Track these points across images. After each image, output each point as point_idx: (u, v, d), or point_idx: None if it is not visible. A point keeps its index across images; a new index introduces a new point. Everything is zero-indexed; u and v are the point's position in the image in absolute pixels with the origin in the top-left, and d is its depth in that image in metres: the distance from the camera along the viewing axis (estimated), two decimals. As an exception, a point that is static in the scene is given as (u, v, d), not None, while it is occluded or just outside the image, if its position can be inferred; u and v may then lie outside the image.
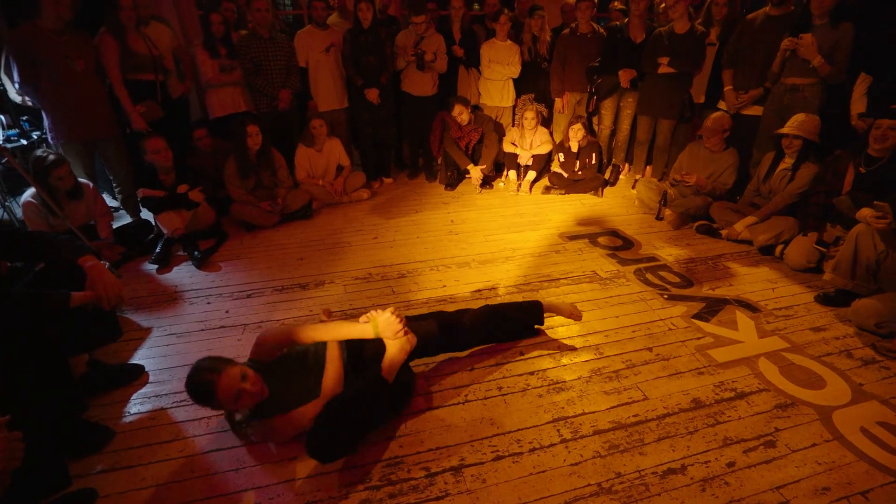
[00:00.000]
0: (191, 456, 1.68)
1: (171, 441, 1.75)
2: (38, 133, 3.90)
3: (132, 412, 1.89)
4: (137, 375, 2.08)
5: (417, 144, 4.81)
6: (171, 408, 1.90)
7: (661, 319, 2.44)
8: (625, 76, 4.05)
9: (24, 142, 3.77)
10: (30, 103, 3.90)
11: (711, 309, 2.53)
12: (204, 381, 1.54)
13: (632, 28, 4.02)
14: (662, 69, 3.86)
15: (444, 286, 2.75)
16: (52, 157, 2.82)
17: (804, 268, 2.86)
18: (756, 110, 3.61)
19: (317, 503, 1.50)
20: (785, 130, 3.04)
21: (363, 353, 1.80)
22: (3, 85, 3.64)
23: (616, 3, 4.76)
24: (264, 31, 3.85)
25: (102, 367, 2.07)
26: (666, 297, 2.65)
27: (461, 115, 4.19)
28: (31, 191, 2.85)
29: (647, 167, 4.58)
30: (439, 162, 4.70)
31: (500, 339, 2.24)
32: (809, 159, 3.02)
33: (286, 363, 1.75)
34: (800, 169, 3.04)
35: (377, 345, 1.75)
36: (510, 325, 2.21)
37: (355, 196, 4.19)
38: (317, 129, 3.95)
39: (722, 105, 3.79)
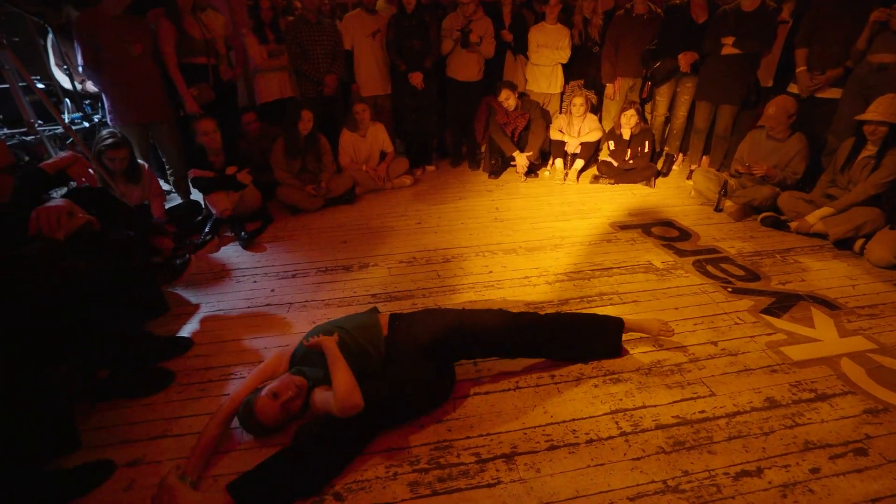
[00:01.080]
0: (237, 427, 1.67)
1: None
2: (98, 116, 4.06)
3: (181, 382, 1.90)
4: (187, 348, 2.10)
5: (461, 132, 4.72)
6: (219, 380, 1.91)
7: (726, 313, 2.26)
8: (685, 60, 3.82)
9: (86, 125, 3.93)
10: (89, 89, 4.09)
11: (782, 304, 2.32)
12: (248, 419, 1.56)
13: (693, 7, 3.77)
14: (727, 50, 3.61)
15: (491, 272, 2.66)
16: (109, 140, 2.88)
17: (890, 264, 2.59)
18: (833, 93, 3.31)
19: (364, 482, 1.45)
20: (868, 116, 2.76)
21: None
22: (55, 78, 3.83)
23: None
24: (311, 16, 3.85)
25: (153, 339, 2.10)
26: (730, 290, 2.46)
27: (508, 100, 4.07)
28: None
29: (704, 157, 4.32)
30: (483, 149, 4.60)
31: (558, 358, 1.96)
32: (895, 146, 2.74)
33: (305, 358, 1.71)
34: (886, 156, 2.75)
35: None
36: (574, 350, 1.94)
37: (398, 182, 4.15)
38: (360, 114, 3.93)
39: (793, 88, 3.51)
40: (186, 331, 2.25)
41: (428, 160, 4.64)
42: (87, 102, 4.12)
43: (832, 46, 3.21)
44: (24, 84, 3.02)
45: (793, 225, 3.07)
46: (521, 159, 4.21)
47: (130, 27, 3.20)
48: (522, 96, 4.42)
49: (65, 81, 3.95)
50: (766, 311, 2.28)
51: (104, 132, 2.97)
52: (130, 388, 1.80)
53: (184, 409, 1.75)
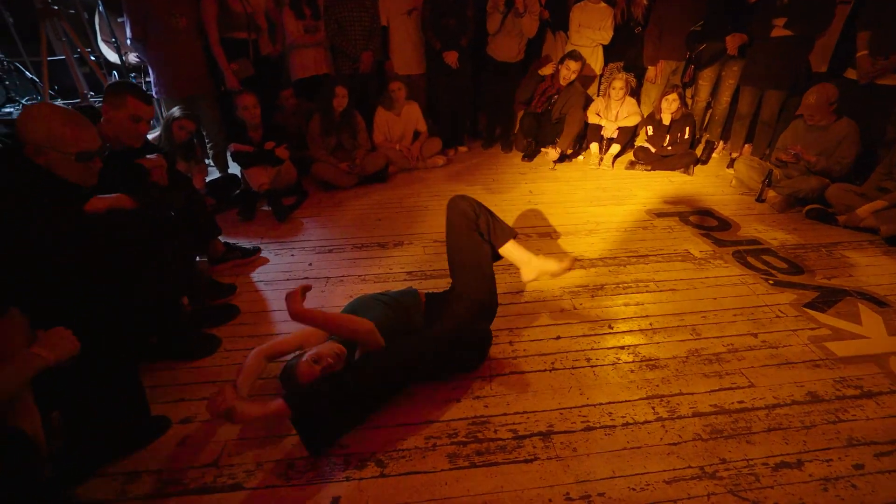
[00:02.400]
0: (280, 394, 1.74)
1: (264, 378, 1.81)
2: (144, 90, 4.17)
3: (227, 349, 1.98)
4: (234, 315, 2.18)
5: (495, 113, 4.66)
6: (263, 348, 1.98)
7: (767, 305, 2.21)
8: (733, 42, 3.67)
9: (131, 97, 4.04)
10: (131, 60, 4.18)
11: (827, 299, 2.26)
12: (288, 379, 1.60)
13: (747, -15, 3.60)
14: (777, 32, 3.45)
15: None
16: (185, 112, 3.08)
17: (946, 262, 2.48)
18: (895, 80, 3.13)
19: (404, 451, 1.50)
20: None
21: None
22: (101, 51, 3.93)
23: None
24: (350, -8, 3.83)
25: (207, 307, 2.20)
26: (772, 282, 2.41)
27: (573, 73, 3.96)
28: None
29: (747, 145, 4.18)
30: (516, 131, 4.55)
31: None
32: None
33: None
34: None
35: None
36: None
37: (431, 162, 4.15)
38: (395, 93, 3.92)
39: (851, 74, 3.34)
40: (231, 299, 2.33)
41: (460, 141, 4.62)
42: (132, 76, 4.23)
43: (897, 29, 3.03)
44: (77, 56, 3.13)
45: (841, 218, 2.96)
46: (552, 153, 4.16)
47: (176, 1, 3.24)
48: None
49: (111, 55, 4.06)
50: (810, 305, 2.22)
51: (176, 108, 3.11)
52: (181, 352, 1.89)
53: (231, 373, 1.83)
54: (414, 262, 2.60)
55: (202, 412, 1.65)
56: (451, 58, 4.04)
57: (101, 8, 3.80)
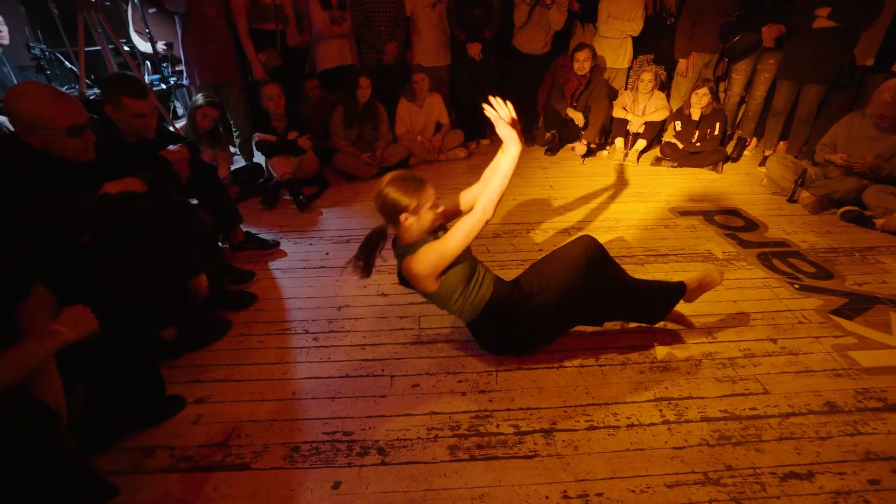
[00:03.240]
0: (292, 379, 1.79)
1: (276, 363, 1.87)
2: (174, 79, 4.30)
3: (243, 333, 2.05)
4: (251, 302, 2.25)
5: (519, 106, 4.59)
6: (276, 334, 2.04)
7: (790, 310, 2.13)
8: (769, 33, 3.50)
9: (163, 86, 4.18)
10: (160, 49, 4.30)
11: (856, 306, 2.16)
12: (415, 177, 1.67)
13: (786, -26, 3.43)
14: (819, 23, 3.27)
15: (542, 250, 2.64)
16: (206, 99, 3.18)
17: None
18: (945, 75, 2.94)
19: (406, 440, 1.53)
20: None
21: None
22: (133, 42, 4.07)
23: None
24: (376, -19, 3.83)
25: (226, 292, 2.27)
26: (797, 287, 2.32)
27: (585, 61, 3.89)
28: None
29: (781, 143, 4.00)
30: (540, 125, 4.48)
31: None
32: None
33: None
34: None
35: None
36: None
37: (452, 155, 4.15)
38: (419, 84, 3.92)
39: (897, 69, 3.15)
40: (249, 285, 2.40)
41: (482, 134, 4.59)
42: (164, 65, 4.36)
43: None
44: (112, 46, 3.25)
45: (879, 222, 2.81)
46: (577, 116, 4.07)
47: None
48: (596, 67, 4.22)
49: (142, 45, 4.20)
50: (837, 311, 2.13)
51: (199, 95, 3.21)
52: (198, 340, 1.95)
53: (245, 358, 1.90)
54: (428, 255, 2.62)
55: (216, 393, 1.72)
56: (475, 49, 4.01)
57: (136, 0, 3.93)
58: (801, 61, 3.49)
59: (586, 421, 1.59)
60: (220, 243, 2.69)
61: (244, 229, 2.72)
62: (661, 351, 1.90)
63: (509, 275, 2.37)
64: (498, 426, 1.57)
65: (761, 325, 2.05)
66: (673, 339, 1.97)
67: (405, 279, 1.73)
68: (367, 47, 4.02)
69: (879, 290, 2.28)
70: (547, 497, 1.35)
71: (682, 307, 1.95)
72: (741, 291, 2.28)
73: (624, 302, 1.82)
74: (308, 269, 2.54)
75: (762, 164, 3.83)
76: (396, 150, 3.86)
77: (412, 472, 1.43)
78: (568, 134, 4.29)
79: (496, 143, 4.54)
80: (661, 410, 1.63)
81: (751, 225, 2.95)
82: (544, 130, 4.33)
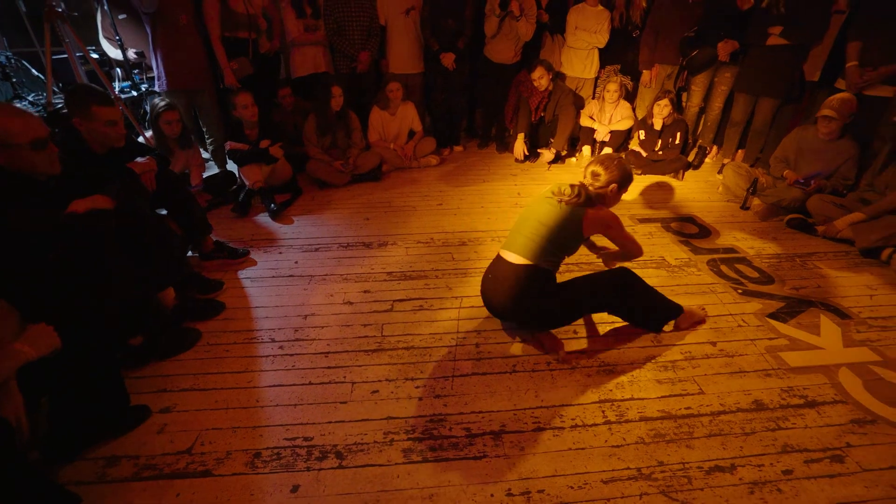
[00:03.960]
0: (257, 387, 1.86)
1: (242, 372, 1.94)
2: (146, 86, 4.30)
3: (210, 343, 2.11)
4: (219, 310, 2.31)
5: (491, 113, 4.72)
6: (243, 343, 2.10)
7: (731, 315, 2.28)
8: (725, 49, 3.68)
9: (134, 93, 4.17)
10: (131, 56, 4.29)
11: (792, 310, 2.32)
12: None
13: (740, -8, 3.61)
14: (773, 40, 3.46)
15: (503, 258, 2.75)
16: (162, 104, 3.16)
17: (915, 276, 2.52)
18: (885, 91, 3.14)
19: (362, 445, 1.62)
20: None
21: None
22: (103, 48, 4.05)
23: None
24: (349, -9, 3.90)
25: (194, 302, 2.32)
26: (740, 291, 2.47)
27: (541, 78, 4.02)
28: (140, 139, 3.19)
29: (739, 151, 4.20)
30: (512, 133, 4.60)
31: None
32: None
33: None
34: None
35: None
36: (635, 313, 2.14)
37: (424, 162, 4.24)
38: (393, 93, 4.00)
39: (841, 84, 3.34)
40: (218, 294, 2.46)
41: (456, 140, 4.69)
42: (135, 72, 4.35)
43: (889, 41, 3.03)
44: (79, 55, 3.25)
45: (820, 229, 3.00)
46: (519, 144, 4.26)
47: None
48: (558, 77, 4.36)
49: (112, 51, 4.18)
50: (773, 315, 2.29)
51: (156, 99, 3.21)
52: (165, 350, 2.01)
53: (211, 367, 1.96)
54: (395, 263, 2.71)
55: (181, 402, 1.78)
56: (448, 59, 4.10)
57: (105, 6, 3.92)
58: (756, 76, 3.68)
59: (534, 423, 1.70)
60: (189, 252, 2.73)
61: (214, 238, 2.77)
62: (608, 355, 2.02)
63: (471, 282, 2.49)
64: (451, 429, 1.67)
65: (703, 328, 2.19)
66: (620, 343, 2.09)
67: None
68: (341, 55, 4.08)
69: (814, 294, 2.45)
70: (492, 495, 1.45)
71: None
72: (689, 297, 2.42)
73: (631, 311, 2.10)
74: (277, 277, 2.61)
75: (721, 171, 4.01)
76: (369, 157, 3.93)
77: (368, 475, 1.51)
78: (540, 141, 4.42)
79: (469, 149, 4.68)
80: (603, 411, 1.75)
81: (704, 232, 3.11)
82: (514, 137, 4.44)
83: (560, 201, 1.94)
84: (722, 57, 3.71)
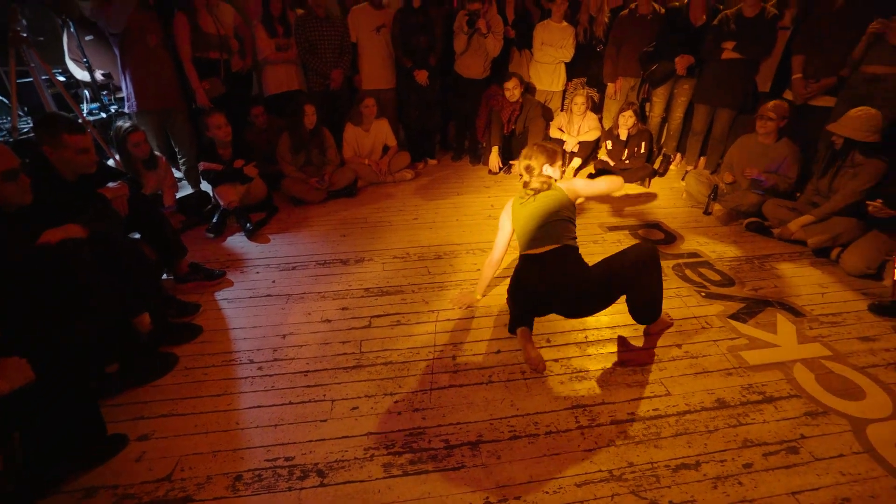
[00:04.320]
0: (236, 410, 1.87)
1: (221, 395, 1.95)
2: (115, 107, 4.25)
3: (187, 367, 2.10)
4: (196, 334, 2.31)
5: (464, 126, 4.83)
6: (221, 365, 2.11)
7: (696, 317, 2.40)
8: (681, 63, 3.87)
9: (103, 115, 4.13)
10: (98, 78, 4.25)
11: (751, 310, 2.45)
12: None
13: (692, 9, 3.82)
14: (727, 55, 3.66)
15: (479, 269, 2.82)
16: (128, 125, 3.14)
17: (862, 273, 2.69)
18: (827, 101, 3.36)
19: (343, 462, 1.65)
20: (831, 128, 2.85)
21: None
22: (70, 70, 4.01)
23: None
24: (320, 11, 3.97)
25: (168, 324, 2.31)
26: (703, 294, 2.59)
27: (515, 89, 4.15)
28: (110, 162, 3.16)
29: (701, 158, 4.39)
30: (484, 145, 4.71)
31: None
32: (875, 156, 2.80)
33: None
34: (863, 165, 2.82)
35: None
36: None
37: (399, 176, 4.30)
38: (368, 109, 4.06)
39: (788, 95, 3.56)
40: (195, 317, 2.45)
41: (430, 154, 4.77)
42: (104, 93, 4.31)
43: (829, 55, 3.25)
44: (45, 78, 3.21)
45: (775, 232, 3.16)
46: (493, 157, 4.37)
47: (146, 18, 3.36)
48: (527, 90, 4.49)
49: (79, 73, 4.13)
50: (734, 316, 2.41)
51: (119, 122, 3.19)
52: (141, 377, 2.00)
53: (189, 391, 1.96)
54: (372, 279, 2.75)
55: (160, 429, 1.78)
56: (422, 76, 4.19)
57: (72, 28, 3.88)
58: (713, 88, 3.88)
59: (510, 431, 1.76)
60: (164, 275, 2.72)
61: (190, 260, 2.76)
62: (579, 362, 2.10)
63: (447, 296, 2.54)
64: (430, 442, 1.72)
65: (670, 332, 2.30)
66: (591, 350, 2.18)
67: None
68: (314, 73, 4.13)
69: (771, 294, 2.59)
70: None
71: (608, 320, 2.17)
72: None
73: (641, 290, 2.11)
74: (254, 297, 2.61)
75: (684, 178, 4.19)
76: (344, 173, 3.97)
77: (349, 491, 1.55)
78: (513, 154, 4.54)
79: (443, 162, 4.77)
80: (576, 417, 1.82)
81: (669, 238, 3.25)
82: (489, 151, 4.54)
83: (538, 192, 2.21)
84: (679, 71, 3.89)
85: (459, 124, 4.86)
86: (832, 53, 3.24)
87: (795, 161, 3.30)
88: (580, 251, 2.18)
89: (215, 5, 3.74)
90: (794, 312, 2.43)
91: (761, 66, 3.75)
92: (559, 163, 2.31)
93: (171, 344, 2.22)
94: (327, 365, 2.10)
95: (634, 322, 2.25)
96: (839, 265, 2.82)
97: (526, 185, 2.28)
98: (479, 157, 4.72)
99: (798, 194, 3.35)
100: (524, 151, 2.31)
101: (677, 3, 3.98)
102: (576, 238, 2.19)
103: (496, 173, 4.43)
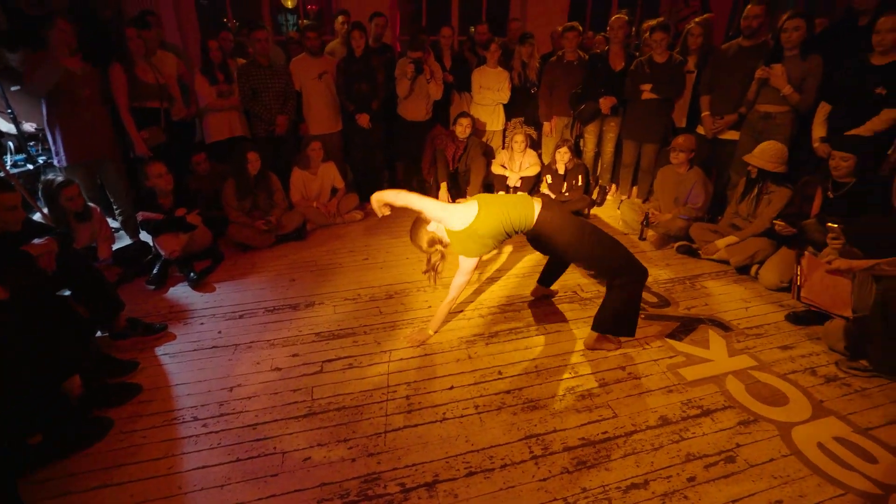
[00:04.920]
0: (179, 473, 1.77)
1: (161, 458, 1.83)
2: (43, 158, 4.06)
3: (124, 431, 1.97)
4: (134, 394, 2.17)
5: (410, 166, 4.95)
6: (162, 426, 1.99)
7: (637, 339, 2.53)
8: (605, 103, 4.22)
9: (30, 167, 3.92)
10: (27, 129, 4.08)
11: (686, 328, 2.62)
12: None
13: (612, 56, 4.20)
14: (645, 95, 4.02)
15: (430, 306, 2.86)
16: (60, 179, 2.99)
17: (777, 287, 2.96)
18: (732, 135, 3.75)
19: (296, 517, 1.59)
20: (747, 158, 3.19)
21: None
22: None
23: (599, 37, 4.96)
24: (263, 60, 4.03)
25: (102, 385, 2.17)
26: (643, 316, 2.74)
27: (467, 127, 4.38)
28: (37, 215, 2.99)
29: (634, 188, 4.72)
30: (431, 183, 4.84)
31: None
32: (783, 184, 3.15)
33: None
34: (774, 193, 3.16)
35: None
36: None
37: (349, 217, 4.32)
38: (315, 152, 4.10)
39: (700, 129, 3.94)
40: (133, 376, 2.32)
41: (379, 193, 4.82)
42: (31, 144, 4.11)
43: (729, 95, 3.66)
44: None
45: (702, 249, 3.43)
46: (443, 193, 4.55)
47: (79, 71, 3.27)
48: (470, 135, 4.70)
49: (5, 126, 3.95)
50: (671, 335, 2.57)
51: (48, 175, 3.05)
52: (70, 446, 1.85)
53: (125, 458, 1.83)
54: (323, 323, 2.71)
55: None
56: (364, 120, 4.30)
57: (-6, 80, 3.72)
58: (636, 125, 4.24)
59: (465, 468, 1.76)
60: (99, 333, 2.57)
61: (128, 315, 2.63)
62: (531, 391, 2.16)
63: (399, 335, 2.56)
64: (385, 486, 1.69)
65: (614, 355, 2.41)
66: (542, 378, 2.24)
67: None
68: (258, 119, 4.15)
69: (703, 312, 2.78)
70: (429, 547, 1.48)
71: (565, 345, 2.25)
72: (600, 326, 2.65)
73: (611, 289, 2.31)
74: (199, 350, 2.51)
75: (620, 207, 4.48)
76: (292, 217, 3.95)
77: (302, 548, 1.49)
78: (461, 192, 4.70)
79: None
80: (530, 447, 1.86)
81: (609, 264, 3.44)
82: (436, 188, 4.68)
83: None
84: (604, 110, 4.24)
85: (406, 164, 4.99)
86: (730, 93, 3.65)
87: (703, 187, 3.64)
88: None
89: (154, 54, 3.73)
90: (724, 328, 2.62)
91: (676, 105, 4.15)
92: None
93: (106, 407, 2.08)
94: (277, 415, 2.03)
95: (580, 349, 2.35)
96: (758, 281, 3.08)
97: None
98: (428, 195, 4.82)
99: (719, 218, 3.67)
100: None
101: (599, 51, 4.37)
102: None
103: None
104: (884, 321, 2.10)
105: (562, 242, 2.27)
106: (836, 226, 2.40)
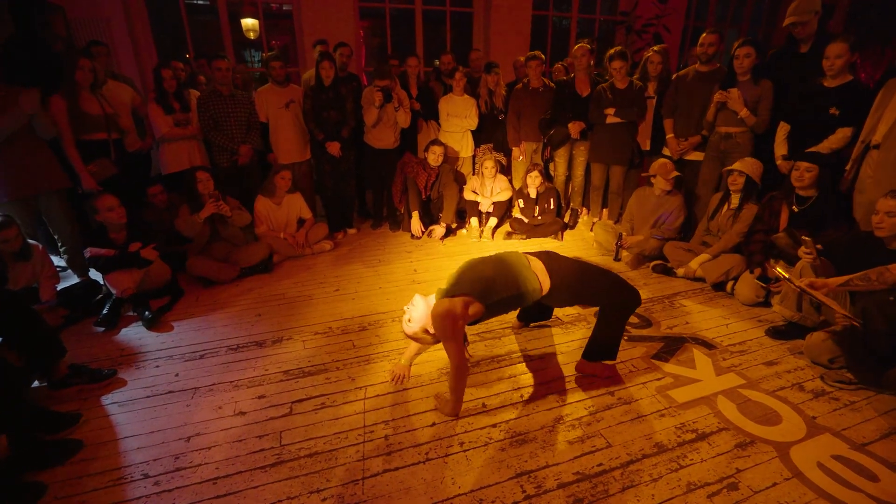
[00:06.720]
0: None
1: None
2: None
3: (59, 496, 1.71)
4: (74, 451, 1.91)
5: (381, 194, 4.87)
6: (105, 487, 1.74)
7: (622, 362, 2.45)
8: (574, 128, 4.28)
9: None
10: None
11: (670, 348, 2.57)
12: None
13: (577, 82, 4.30)
14: (610, 119, 4.11)
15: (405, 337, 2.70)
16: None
17: (754, 302, 2.97)
18: (697, 156, 3.85)
19: (263, 588, 1.38)
20: (737, 165, 3.25)
21: None
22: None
23: (558, 65, 5.10)
24: (224, 89, 3.92)
25: (35, 444, 1.90)
26: (626, 338, 2.68)
27: (439, 156, 4.35)
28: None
29: (604, 210, 4.77)
30: (402, 211, 4.75)
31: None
32: (751, 200, 3.22)
33: None
34: (742, 210, 3.22)
35: None
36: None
37: (318, 248, 4.16)
38: (283, 180, 3.97)
39: (666, 151, 4.03)
40: (73, 431, 2.05)
41: (349, 223, 4.71)
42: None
43: (690, 118, 3.78)
44: None
45: (679, 271, 3.44)
46: (415, 222, 4.46)
47: (13, 102, 3.05)
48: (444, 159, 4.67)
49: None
50: (656, 356, 2.50)
51: None
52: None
53: (60, 529, 1.58)
54: (292, 360, 2.52)
55: (14, 588, 1.39)
56: (334, 148, 4.21)
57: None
58: (603, 148, 4.31)
59: (454, 514, 1.60)
60: (35, 383, 2.29)
61: (70, 362, 2.36)
62: (518, 423, 2.02)
63: (374, 368, 2.40)
64: (365, 543, 1.51)
65: (600, 380, 2.31)
66: (529, 409, 2.12)
67: None
68: (220, 149, 3.99)
69: (685, 331, 2.74)
70: None
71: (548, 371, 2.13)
72: (581, 352, 2.56)
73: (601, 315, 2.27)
74: (152, 397, 2.26)
75: (592, 229, 4.50)
76: (258, 249, 3.75)
77: None
78: (434, 219, 4.62)
79: (363, 230, 4.71)
80: (521, 486, 1.71)
81: (587, 286, 3.39)
82: (407, 216, 4.59)
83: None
84: (573, 135, 4.30)
85: (376, 193, 4.90)
86: (692, 116, 3.77)
87: (681, 211, 3.69)
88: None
89: (104, 85, 3.56)
90: (707, 346, 2.58)
91: (640, 128, 4.25)
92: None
93: (40, 469, 1.82)
94: (241, 466, 1.82)
95: (566, 375, 2.24)
96: (735, 297, 3.09)
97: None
98: (399, 224, 4.74)
99: (690, 236, 3.72)
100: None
101: (565, 78, 4.47)
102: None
103: (419, 237, 4.45)
104: (864, 336, 2.10)
105: (569, 297, 2.23)
106: (808, 238, 2.43)
